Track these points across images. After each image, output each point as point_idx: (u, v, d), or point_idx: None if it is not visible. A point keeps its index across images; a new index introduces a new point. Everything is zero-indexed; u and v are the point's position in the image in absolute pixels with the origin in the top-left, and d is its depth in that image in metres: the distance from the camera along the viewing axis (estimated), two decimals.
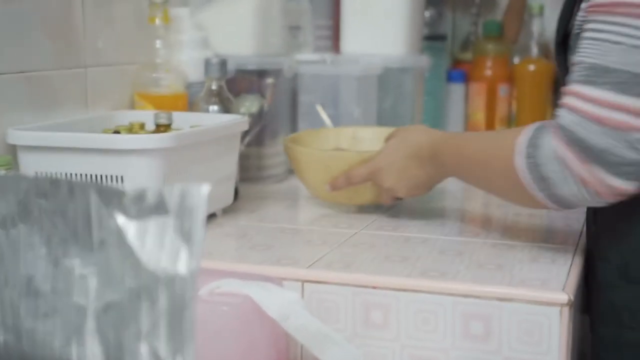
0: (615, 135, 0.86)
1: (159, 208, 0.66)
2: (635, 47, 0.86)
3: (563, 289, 0.91)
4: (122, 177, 1.02)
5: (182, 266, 0.64)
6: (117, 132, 1.17)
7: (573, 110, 0.88)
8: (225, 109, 1.33)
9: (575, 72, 0.90)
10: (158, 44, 1.33)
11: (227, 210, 1.25)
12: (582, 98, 0.88)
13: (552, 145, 0.89)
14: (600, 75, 0.87)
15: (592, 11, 0.90)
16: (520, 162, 0.92)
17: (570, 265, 1.00)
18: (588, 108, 0.87)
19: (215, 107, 1.32)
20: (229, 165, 1.23)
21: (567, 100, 0.90)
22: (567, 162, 0.88)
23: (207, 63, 1.32)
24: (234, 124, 1.21)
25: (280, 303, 0.86)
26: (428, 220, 1.22)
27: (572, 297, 0.90)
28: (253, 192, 1.41)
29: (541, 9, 1.79)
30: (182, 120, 1.24)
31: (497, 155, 0.97)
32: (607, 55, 0.87)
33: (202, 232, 0.65)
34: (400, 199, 1.22)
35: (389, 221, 1.22)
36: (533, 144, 0.91)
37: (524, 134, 0.93)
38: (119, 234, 0.66)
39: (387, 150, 1.17)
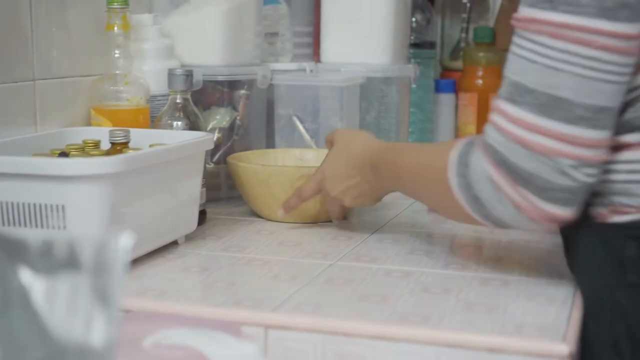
0: (542, 159, 0.81)
1: (71, 263, 0.54)
2: (550, 67, 0.81)
3: (563, 339, 0.79)
4: (63, 207, 0.90)
5: (96, 336, 0.53)
6: (64, 153, 1.05)
7: (499, 129, 0.84)
8: (191, 124, 1.21)
9: (502, 87, 0.86)
10: (117, 53, 1.21)
11: (190, 237, 1.14)
12: (506, 117, 0.84)
13: (482, 164, 0.85)
14: (521, 94, 0.83)
15: (515, 24, 0.85)
16: (453, 180, 0.88)
17: (571, 306, 0.88)
18: (512, 129, 0.83)
19: (179, 123, 1.20)
20: (192, 188, 1.11)
21: (493, 117, 0.85)
22: (497, 183, 0.84)
23: (171, 74, 1.20)
24: (197, 142, 1.10)
25: (235, 359, 0.74)
26: (412, 247, 1.10)
27: (573, 349, 0.78)
28: (223, 214, 1.30)
29: None
30: (142, 137, 1.13)
31: (432, 170, 0.93)
32: (526, 73, 0.83)
33: (122, 293, 0.53)
34: (346, 218, 1.23)
35: (368, 250, 1.10)
36: (464, 162, 0.87)
37: (455, 149, 0.89)
38: (24, 295, 0.54)
39: (331, 158, 1.14)
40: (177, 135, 1.15)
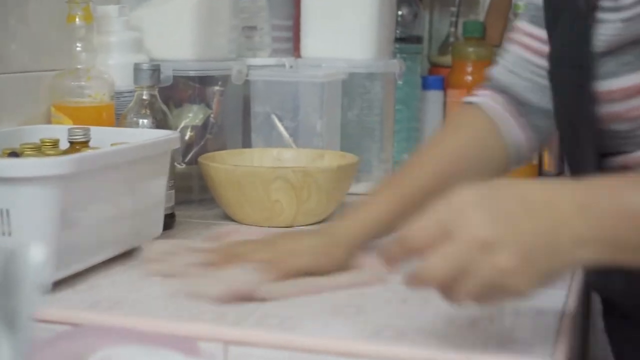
0: None
1: None
2: None
3: (551, 357, 0.72)
4: (7, 212, 0.83)
5: None
6: (14, 152, 0.97)
7: None
8: (159, 122, 1.13)
9: None
10: (79, 46, 1.14)
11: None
12: None
13: None
14: None
15: None
16: None
17: (561, 320, 0.81)
18: None
19: (145, 121, 1.13)
20: (156, 190, 1.03)
21: None
22: None
23: (137, 69, 1.13)
24: (160, 141, 1.02)
25: None
26: None
27: None
28: (195, 217, 1.22)
29: (527, 7, 1.60)
30: (104, 136, 1.05)
31: None
32: None
33: (32, 315, 0.45)
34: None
35: None
36: None
37: None
38: None
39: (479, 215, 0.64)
40: (141, 134, 1.07)
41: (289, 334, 0.77)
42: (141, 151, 0.98)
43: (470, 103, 1.02)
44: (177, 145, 1.05)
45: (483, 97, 1.01)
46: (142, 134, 1.07)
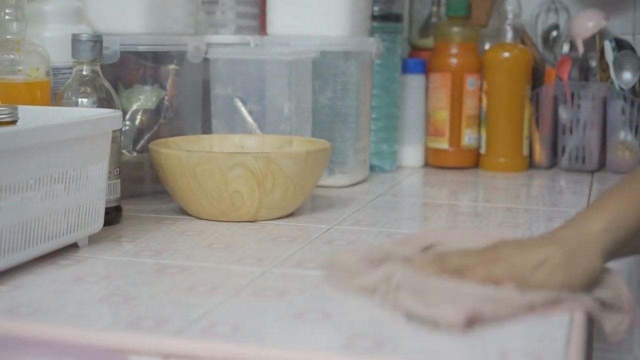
0: None
1: None
2: None
3: None
4: None
5: None
6: None
7: None
8: (102, 101, 0.99)
9: None
10: (8, 14, 0.99)
11: (96, 239, 0.92)
12: None
13: None
14: None
15: None
16: None
17: (569, 326, 0.67)
18: None
19: (85, 100, 0.98)
20: (96, 179, 0.89)
21: None
22: None
23: (75, 40, 0.98)
24: (98, 119, 0.88)
25: None
26: (388, 238, 0.89)
27: None
28: (146, 211, 1.08)
29: None
30: (36, 116, 0.91)
31: None
32: None
33: None
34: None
35: (313, 253, 0.89)
36: None
37: None
38: None
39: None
40: (79, 113, 0.93)
41: (240, 345, 0.63)
42: (74, 130, 0.83)
43: None
44: (118, 125, 0.91)
45: None
46: (80, 113, 0.92)
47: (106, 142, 0.90)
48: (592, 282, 0.73)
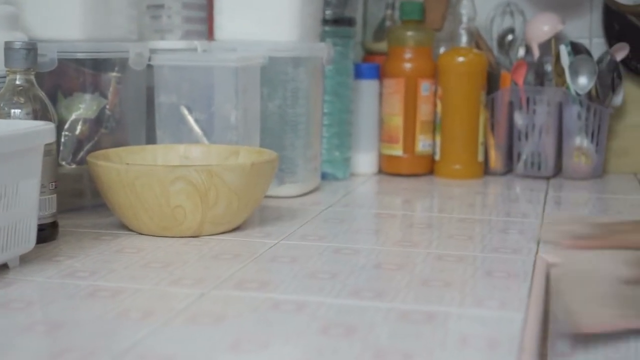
0: None
1: None
2: None
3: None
4: None
5: None
6: None
7: None
8: (37, 112, 0.94)
9: None
10: None
11: (29, 258, 0.87)
12: None
13: None
14: None
15: None
16: None
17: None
18: None
19: (18, 111, 0.94)
20: (26, 194, 0.84)
21: None
22: None
23: (8, 48, 0.94)
24: (27, 133, 0.83)
25: None
26: (314, 269, 0.85)
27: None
28: (85, 226, 1.03)
29: None
30: None
31: None
32: None
33: None
34: None
35: (257, 272, 0.85)
36: None
37: None
38: None
39: None
40: (8, 125, 0.88)
41: None
42: (1, 145, 0.79)
43: None
44: (51, 138, 0.86)
45: None
46: (9, 126, 0.88)
47: (37, 156, 0.85)
48: None
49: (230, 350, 0.64)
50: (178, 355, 0.63)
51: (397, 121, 1.45)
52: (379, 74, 1.47)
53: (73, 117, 1.10)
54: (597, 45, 1.52)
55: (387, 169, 1.47)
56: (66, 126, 1.09)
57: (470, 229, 1.07)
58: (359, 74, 1.45)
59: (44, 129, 0.85)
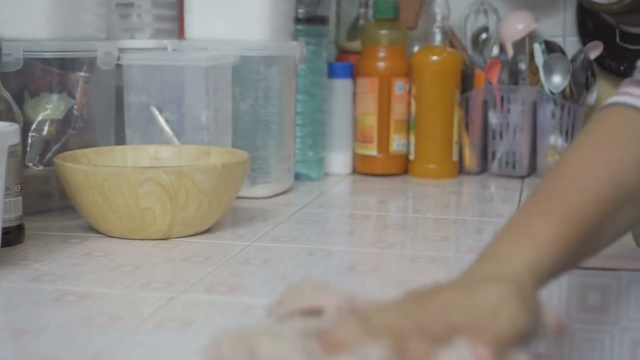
0: None
1: None
2: None
3: None
4: None
5: None
6: None
7: None
8: (1, 113, 0.92)
9: None
10: None
11: None
12: None
13: None
14: None
15: None
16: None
17: None
18: None
19: None
20: None
21: None
22: None
23: None
24: None
25: None
26: (285, 271, 0.84)
27: None
28: (52, 229, 1.01)
29: None
30: None
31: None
32: None
33: None
34: None
35: (227, 275, 0.83)
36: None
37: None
38: None
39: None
40: None
41: None
42: None
43: (616, 105, 0.75)
44: (15, 140, 0.84)
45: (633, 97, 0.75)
46: None
47: (1, 158, 0.83)
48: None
49: (200, 356, 0.63)
50: None
51: (371, 120, 1.43)
52: (353, 73, 1.45)
53: (40, 117, 1.08)
54: (571, 43, 1.51)
55: (362, 168, 1.46)
56: (33, 127, 1.07)
57: (445, 229, 1.06)
58: (332, 73, 1.43)
59: (8, 130, 0.83)
